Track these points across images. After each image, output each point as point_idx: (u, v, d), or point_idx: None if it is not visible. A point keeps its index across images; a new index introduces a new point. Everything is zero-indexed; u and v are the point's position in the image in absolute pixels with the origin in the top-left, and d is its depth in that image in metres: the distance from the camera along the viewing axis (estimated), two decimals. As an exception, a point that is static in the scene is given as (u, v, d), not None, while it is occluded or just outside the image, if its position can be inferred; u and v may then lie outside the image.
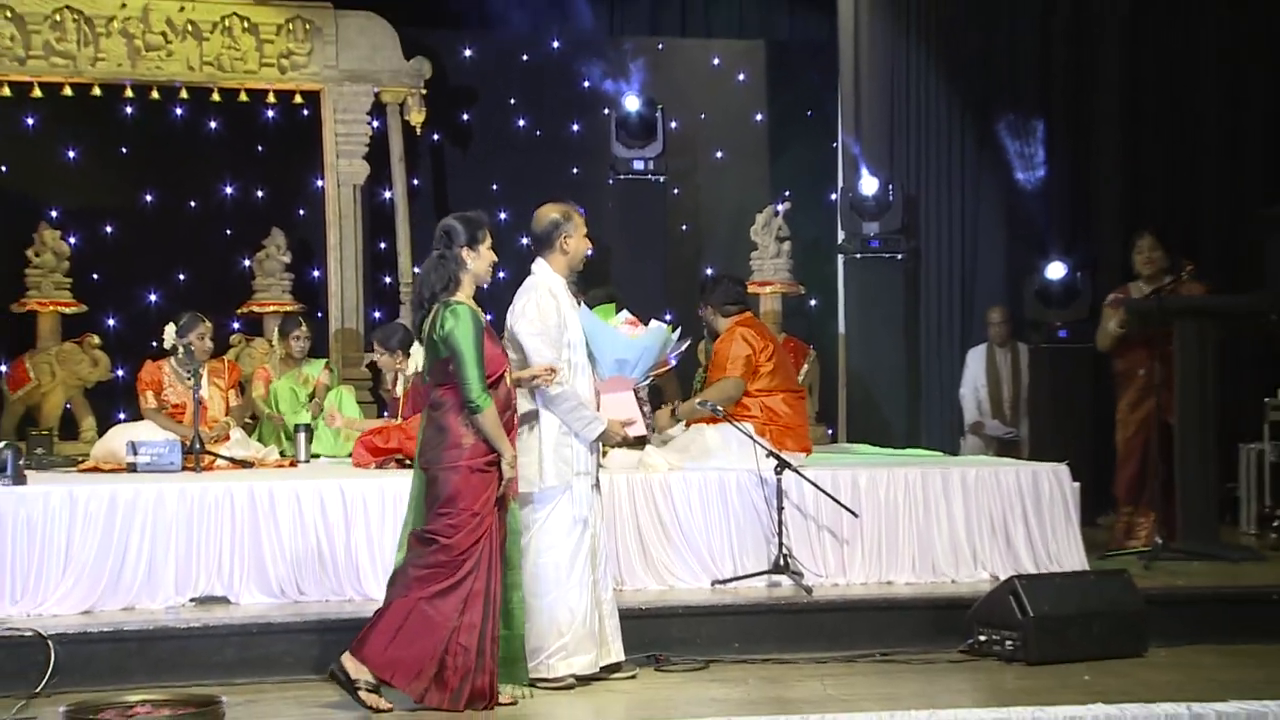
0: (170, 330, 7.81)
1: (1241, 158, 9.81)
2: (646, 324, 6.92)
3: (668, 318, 7.75)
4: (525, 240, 11.21)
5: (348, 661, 5.20)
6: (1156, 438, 7.99)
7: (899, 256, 10.70)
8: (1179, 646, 6.29)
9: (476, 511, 5.25)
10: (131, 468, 7.07)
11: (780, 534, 6.60)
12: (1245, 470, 8.95)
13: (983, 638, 6.11)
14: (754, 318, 7.62)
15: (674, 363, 7.16)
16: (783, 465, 6.60)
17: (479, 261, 5.45)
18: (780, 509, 6.60)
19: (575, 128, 11.73)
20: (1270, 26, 9.75)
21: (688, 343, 7.35)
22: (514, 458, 5.36)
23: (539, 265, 5.83)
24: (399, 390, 8.01)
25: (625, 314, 7.03)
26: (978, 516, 6.96)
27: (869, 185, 10.55)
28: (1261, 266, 8.81)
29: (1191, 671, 5.84)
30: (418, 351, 7.89)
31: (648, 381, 7.13)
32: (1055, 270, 9.58)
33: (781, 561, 6.57)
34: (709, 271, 11.72)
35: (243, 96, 10.63)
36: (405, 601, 5.20)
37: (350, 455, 7.83)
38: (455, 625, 5.19)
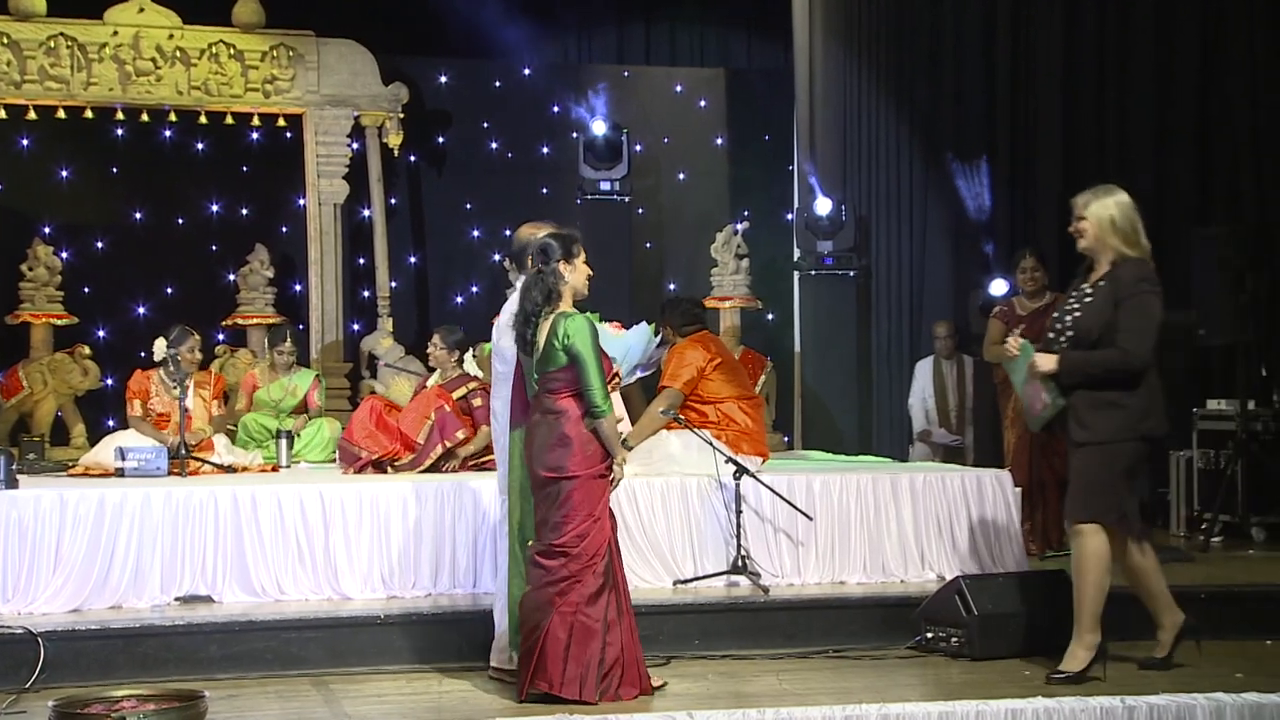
0: (160, 343, 7.75)
1: (1172, 181, 9.87)
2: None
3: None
4: (497, 256, 11.39)
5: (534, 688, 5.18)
6: (1039, 443, 8.06)
7: (851, 273, 10.72)
8: (1114, 642, 6.29)
9: (597, 516, 5.25)
10: (120, 473, 7.00)
11: (739, 536, 6.58)
12: (1175, 476, 8.99)
13: (930, 635, 6.10)
14: (709, 334, 7.58)
15: (654, 363, 7.21)
16: (741, 471, 6.59)
17: (575, 274, 5.39)
18: (739, 513, 6.58)
19: (545, 150, 11.72)
20: (1197, 63, 9.81)
21: (667, 347, 7.41)
22: (624, 459, 5.41)
23: (520, 283, 5.78)
24: (430, 384, 7.97)
25: (609, 324, 7.08)
26: (925, 520, 6.96)
27: (823, 206, 10.56)
28: (1189, 284, 8.89)
29: (1125, 667, 5.84)
30: (469, 360, 7.90)
31: (633, 381, 7.17)
32: (998, 286, 9.59)
33: (740, 562, 6.56)
34: (672, 287, 11.75)
35: (228, 119, 10.59)
36: (561, 618, 5.16)
37: (334, 458, 7.81)
38: (608, 623, 5.21)
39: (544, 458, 5.25)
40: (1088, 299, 5.59)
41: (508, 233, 11.24)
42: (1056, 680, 5.47)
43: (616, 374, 5.48)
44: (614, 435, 5.31)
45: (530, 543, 5.33)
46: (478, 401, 7.66)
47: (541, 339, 5.27)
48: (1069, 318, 5.62)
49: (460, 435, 7.40)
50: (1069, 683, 5.45)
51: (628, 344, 6.75)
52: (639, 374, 7.10)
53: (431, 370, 8.28)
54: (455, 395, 7.68)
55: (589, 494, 5.24)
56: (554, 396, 5.28)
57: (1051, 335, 5.68)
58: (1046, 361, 5.57)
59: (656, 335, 6.99)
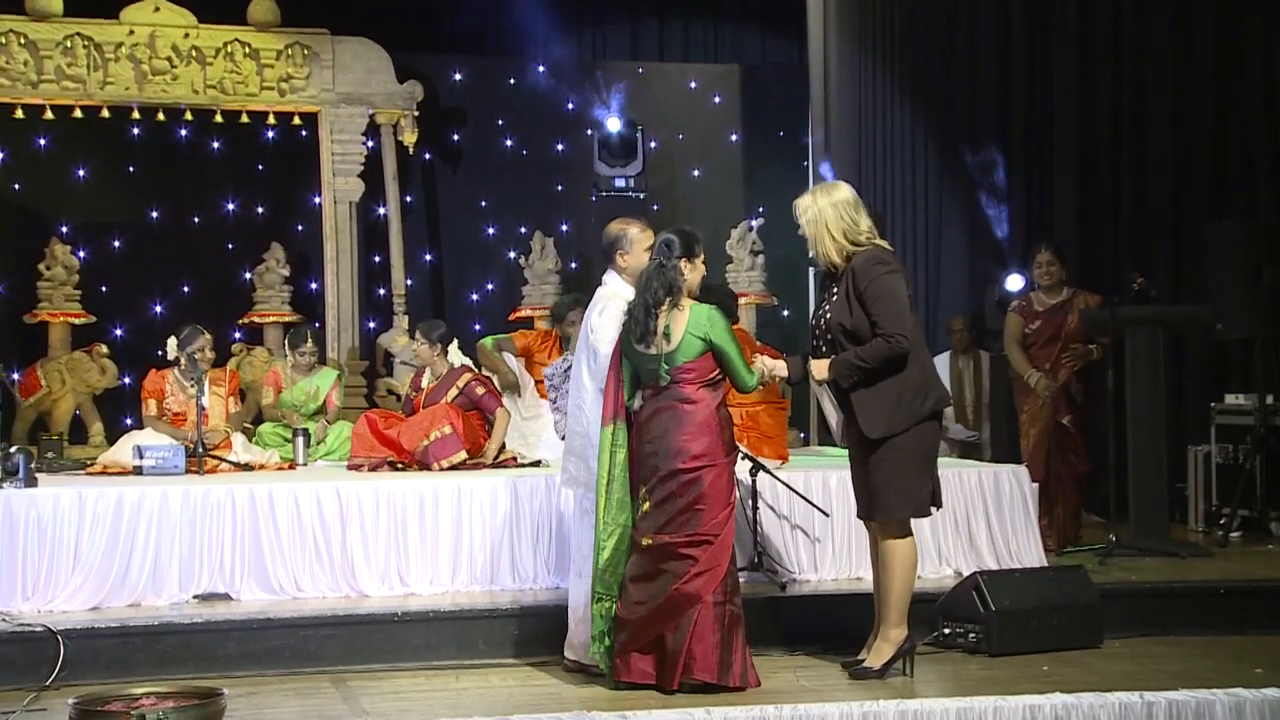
0: (173, 342, 7.77)
1: (1188, 176, 9.84)
2: None
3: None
4: (512, 254, 11.40)
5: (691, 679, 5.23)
6: (1055, 438, 8.05)
7: (867, 269, 10.67)
8: (1132, 638, 6.28)
9: (731, 502, 5.35)
10: (137, 471, 7.00)
11: (755, 533, 6.57)
12: (1193, 471, 8.95)
13: (948, 631, 6.09)
14: (744, 332, 7.56)
15: None
16: (757, 467, 6.57)
17: (694, 273, 5.47)
18: (755, 509, 6.57)
19: (560, 147, 11.71)
20: (1213, 57, 9.79)
21: None
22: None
23: (608, 276, 5.79)
24: (425, 383, 7.93)
25: None
26: (942, 515, 6.86)
27: (838, 202, 10.52)
28: (1206, 279, 8.85)
29: (1144, 662, 5.83)
30: (454, 353, 7.86)
31: None
32: (1014, 281, 9.58)
33: (756, 559, 6.55)
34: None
35: (244, 118, 10.60)
36: (712, 609, 5.24)
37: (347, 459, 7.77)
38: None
39: (685, 447, 5.26)
40: (834, 298, 5.50)
41: (523, 230, 11.39)
42: (859, 674, 5.47)
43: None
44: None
45: (650, 538, 5.29)
46: (480, 390, 7.64)
47: (678, 330, 5.32)
48: (823, 321, 5.53)
49: (458, 458, 7.28)
50: (871, 677, 5.43)
51: None
52: None
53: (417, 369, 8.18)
54: (450, 397, 7.62)
55: (727, 480, 5.33)
56: (686, 386, 5.32)
57: (814, 343, 5.59)
58: (820, 369, 5.49)
59: None
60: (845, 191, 5.56)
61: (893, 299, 5.38)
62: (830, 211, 5.48)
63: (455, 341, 7.95)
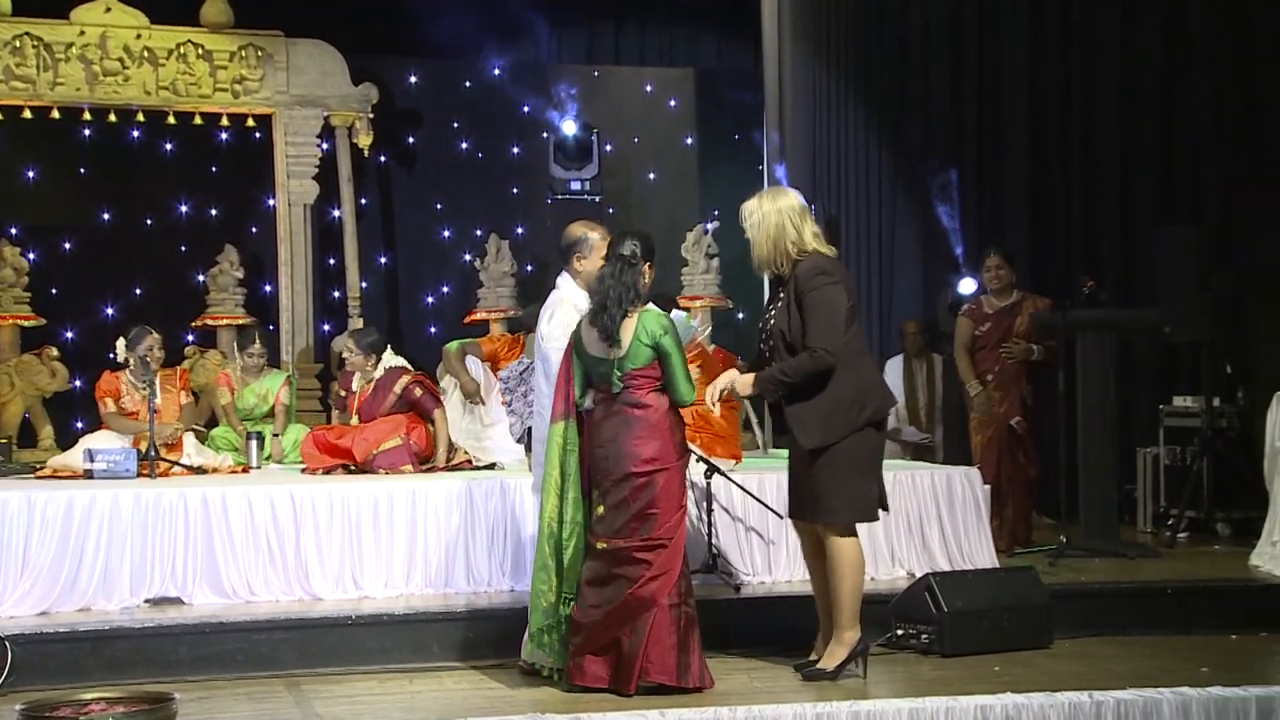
0: (121, 344, 7.71)
1: (1138, 182, 9.94)
2: None
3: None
4: (468, 257, 11.37)
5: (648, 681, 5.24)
6: (1006, 441, 8.12)
7: (821, 272, 10.70)
8: (1082, 638, 6.33)
9: (683, 505, 5.35)
10: (88, 474, 6.93)
11: (710, 535, 6.59)
12: (1142, 473, 9.04)
13: (900, 632, 6.12)
14: (722, 353, 7.58)
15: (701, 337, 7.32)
16: (712, 470, 6.59)
17: (650, 277, 5.49)
18: (710, 511, 6.59)
19: (515, 150, 11.70)
20: (1161, 65, 9.89)
21: (706, 329, 7.47)
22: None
23: (562, 279, 5.75)
24: (355, 386, 7.88)
25: None
26: (895, 517, 6.95)
27: (792, 205, 10.55)
28: (1154, 282, 8.94)
29: (1093, 662, 5.88)
30: (388, 358, 7.81)
31: None
32: (966, 285, 9.65)
33: (711, 561, 6.56)
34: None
35: (197, 120, 10.51)
36: (668, 611, 5.25)
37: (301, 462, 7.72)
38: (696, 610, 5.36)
39: (636, 451, 5.26)
40: (780, 304, 5.51)
41: (478, 232, 11.36)
42: (812, 676, 5.49)
43: None
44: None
45: (604, 542, 5.29)
46: (418, 392, 7.61)
47: (626, 335, 5.29)
48: (769, 326, 5.54)
49: (405, 469, 7.28)
50: (825, 679, 5.45)
51: None
52: None
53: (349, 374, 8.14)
54: (389, 403, 7.59)
55: (679, 483, 5.33)
56: (637, 391, 5.31)
57: (761, 347, 5.60)
58: (744, 385, 5.48)
59: (695, 319, 7.05)
60: (792, 198, 5.55)
61: (828, 310, 5.35)
62: (775, 217, 5.47)
63: (389, 348, 7.90)
